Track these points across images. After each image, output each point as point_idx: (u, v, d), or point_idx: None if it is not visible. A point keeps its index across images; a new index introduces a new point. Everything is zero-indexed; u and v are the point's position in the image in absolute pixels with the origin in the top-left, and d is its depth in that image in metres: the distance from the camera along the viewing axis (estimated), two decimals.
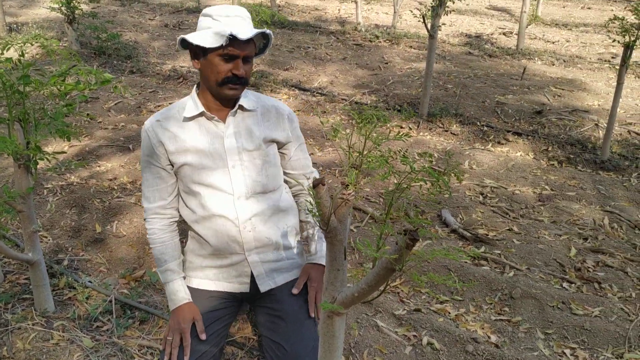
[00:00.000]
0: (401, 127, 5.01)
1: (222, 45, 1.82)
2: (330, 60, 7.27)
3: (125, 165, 3.90)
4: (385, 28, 9.29)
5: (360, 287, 1.45)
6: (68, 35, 6.92)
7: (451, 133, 4.94)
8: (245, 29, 1.87)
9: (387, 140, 1.55)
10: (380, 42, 8.36)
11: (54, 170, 3.60)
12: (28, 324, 2.25)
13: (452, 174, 1.71)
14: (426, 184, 1.68)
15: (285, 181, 2.20)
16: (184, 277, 2.09)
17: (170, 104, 5.30)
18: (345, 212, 1.49)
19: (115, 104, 5.19)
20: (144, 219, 2.09)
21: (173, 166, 2.00)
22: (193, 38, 1.89)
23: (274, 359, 1.93)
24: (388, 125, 4.98)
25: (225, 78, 1.88)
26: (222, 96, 1.93)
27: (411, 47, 8.13)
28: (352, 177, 1.52)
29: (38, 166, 2.15)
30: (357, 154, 1.52)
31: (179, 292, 2.01)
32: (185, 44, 1.97)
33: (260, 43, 2.03)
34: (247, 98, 2.03)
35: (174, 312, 1.98)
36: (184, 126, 1.98)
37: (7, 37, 7.14)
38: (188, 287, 2.09)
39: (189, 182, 1.99)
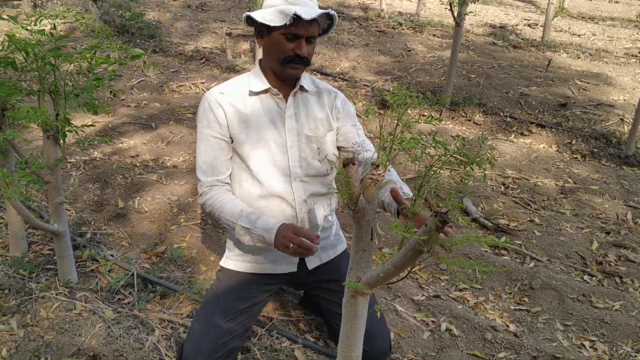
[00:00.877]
0: (423, 115, 4.97)
1: (285, 24, 1.82)
2: (353, 46, 7.22)
3: (147, 143, 3.92)
4: (408, 15, 9.21)
5: (386, 268, 1.45)
6: (92, 13, 6.95)
7: (474, 122, 4.90)
8: (310, 9, 1.86)
9: (417, 123, 1.54)
10: (403, 29, 8.29)
11: (78, 144, 3.64)
12: (52, 294, 2.29)
13: (485, 160, 1.70)
14: (459, 168, 1.67)
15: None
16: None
17: (193, 84, 5.33)
18: (374, 193, 1.49)
19: (138, 82, 5.21)
20: (199, 194, 1.98)
21: (232, 141, 1.98)
22: (257, 15, 1.89)
23: None
24: (411, 113, 4.95)
25: (287, 57, 1.86)
26: (284, 75, 1.92)
27: (434, 35, 8.05)
28: (383, 158, 1.51)
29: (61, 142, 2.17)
30: (389, 135, 1.51)
31: (270, 221, 1.87)
32: (250, 21, 1.96)
33: (324, 23, 2.02)
34: (306, 79, 2.04)
35: (277, 233, 1.81)
36: (247, 102, 1.96)
37: (34, 12, 7.19)
38: (228, 269, 2.11)
39: (247, 159, 1.97)
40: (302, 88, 2.01)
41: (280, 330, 2.21)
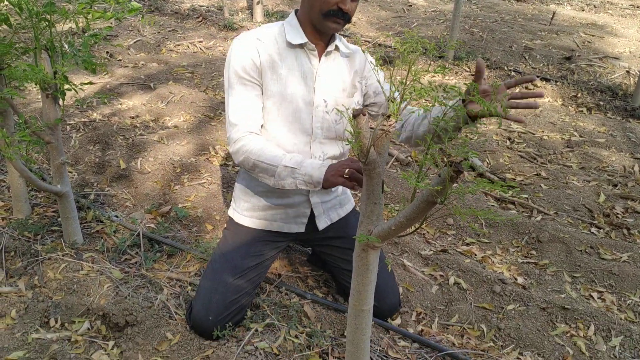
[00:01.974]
0: (426, 71, 4.87)
1: None
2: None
3: (147, 104, 3.86)
4: None
5: (398, 220, 1.43)
6: None
7: None
8: None
9: (427, 72, 1.49)
10: None
11: (78, 104, 3.58)
12: (58, 255, 2.28)
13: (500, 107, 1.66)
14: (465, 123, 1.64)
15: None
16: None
17: (190, 43, 5.22)
18: (385, 144, 1.45)
19: (135, 42, 5.10)
20: (233, 141, 1.81)
21: (262, 92, 1.90)
22: None
23: None
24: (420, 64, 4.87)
25: (331, 10, 1.77)
26: (324, 28, 1.83)
27: None
28: (394, 108, 1.47)
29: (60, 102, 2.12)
30: (400, 84, 1.46)
31: (317, 161, 1.76)
32: None
33: None
34: (340, 40, 1.96)
35: (329, 168, 1.69)
36: (282, 53, 1.88)
37: None
38: (237, 225, 2.08)
39: (273, 113, 1.90)
40: (336, 48, 1.93)
41: (288, 287, 2.20)
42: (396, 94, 1.46)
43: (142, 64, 4.60)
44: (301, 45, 1.88)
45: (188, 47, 5.17)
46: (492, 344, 2.03)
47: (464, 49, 5.30)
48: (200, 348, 1.89)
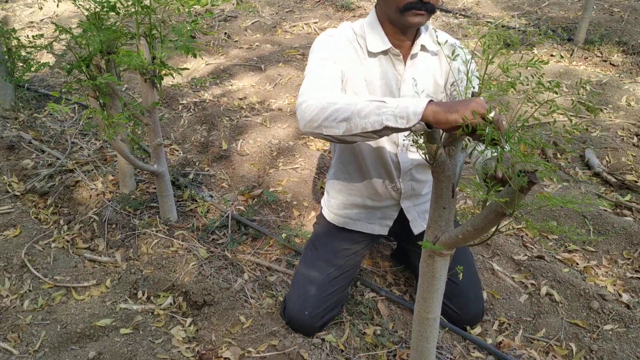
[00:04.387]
0: (551, 55, 4.51)
1: None
2: None
3: (255, 85, 3.95)
4: None
5: (465, 229, 1.33)
6: None
7: (610, 64, 4.35)
8: None
9: (517, 66, 1.35)
10: None
11: (199, 82, 3.75)
12: (152, 231, 2.41)
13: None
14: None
15: None
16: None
17: (305, 24, 5.25)
18: (457, 146, 1.34)
19: (252, 23, 5.23)
20: (302, 102, 1.50)
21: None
22: None
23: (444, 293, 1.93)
24: (536, 53, 4.51)
25: (408, 3, 1.59)
26: (404, 24, 1.66)
27: None
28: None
29: (175, 82, 2.21)
30: (478, 79, 1.34)
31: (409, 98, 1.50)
32: None
33: None
34: (427, 35, 1.78)
35: (433, 103, 1.27)
36: (364, 63, 1.75)
37: None
38: (326, 219, 2.06)
39: None
40: (423, 48, 1.76)
41: (364, 281, 2.16)
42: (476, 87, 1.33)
43: (257, 45, 4.71)
44: (384, 52, 1.75)
45: (303, 28, 5.21)
46: None
47: (598, 31, 4.81)
48: (269, 335, 1.92)
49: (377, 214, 1.99)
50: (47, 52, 2.42)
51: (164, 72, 2.20)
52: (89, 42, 2.20)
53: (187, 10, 2.18)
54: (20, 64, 3.47)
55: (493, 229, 1.30)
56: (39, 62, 3.27)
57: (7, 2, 6.04)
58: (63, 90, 3.72)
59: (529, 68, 1.31)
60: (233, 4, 5.69)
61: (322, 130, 1.43)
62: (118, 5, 2.12)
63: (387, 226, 2.00)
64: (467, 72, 1.34)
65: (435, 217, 1.42)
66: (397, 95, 1.77)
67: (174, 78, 2.33)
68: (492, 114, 1.22)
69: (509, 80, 1.31)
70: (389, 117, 1.30)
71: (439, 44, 1.79)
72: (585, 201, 1.08)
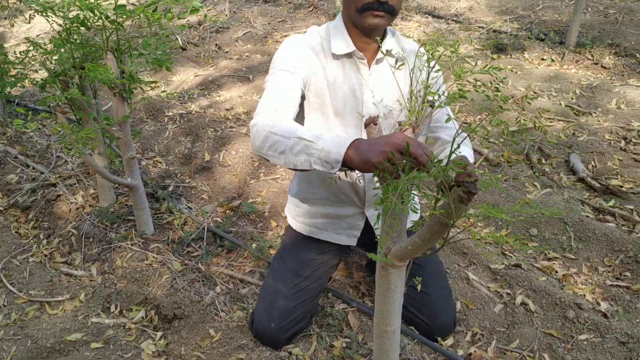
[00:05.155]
0: (542, 59, 4.47)
1: None
2: None
3: (243, 96, 3.95)
4: None
5: (413, 241, 1.30)
6: None
7: (601, 66, 4.31)
8: None
9: (471, 73, 1.32)
10: None
11: (180, 94, 3.75)
12: (127, 244, 2.41)
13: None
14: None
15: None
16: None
17: (297, 33, 5.25)
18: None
19: (244, 34, 5.25)
20: (253, 126, 1.51)
21: (303, 99, 1.75)
22: None
23: (413, 303, 1.92)
24: (527, 57, 4.47)
25: (365, 4, 1.58)
26: (364, 26, 1.64)
27: None
28: (415, 114, 1.33)
29: (144, 96, 2.21)
30: (425, 87, 1.31)
31: (340, 135, 1.39)
32: None
33: None
34: (391, 39, 1.76)
35: (357, 143, 1.28)
36: (327, 67, 1.74)
37: None
38: (293, 229, 2.04)
39: (320, 125, 1.79)
40: (388, 53, 1.74)
41: (335, 292, 2.13)
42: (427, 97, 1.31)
43: (247, 56, 4.72)
44: (348, 55, 1.74)
45: None
46: None
47: (590, 34, 4.76)
48: (237, 349, 1.90)
49: (342, 224, 1.96)
50: (40, 69, 2.46)
51: (133, 85, 2.20)
52: (60, 58, 2.22)
53: (156, 23, 2.18)
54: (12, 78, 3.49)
55: (442, 239, 1.27)
56: (27, 76, 3.29)
57: (6, 18, 6.11)
58: (38, 106, 3.74)
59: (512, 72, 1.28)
60: (226, 16, 5.71)
61: (268, 158, 1.45)
62: (87, 20, 2.13)
63: (355, 237, 1.97)
64: (427, 82, 1.30)
65: (386, 228, 1.40)
66: (361, 101, 1.75)
67: (144, 92, 2.33)
68: (413, 147, 1.19)
69: (461, 88, 1.28)
70: (316, 160, 1.32)
71: (403, 51, 1.78)
72: (498, 213, 1.06)
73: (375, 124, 1.32)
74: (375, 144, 1.21)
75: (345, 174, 1.83)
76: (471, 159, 1.56)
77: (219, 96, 3.98)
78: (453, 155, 1.14)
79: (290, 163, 1.39)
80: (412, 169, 1.19)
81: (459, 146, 1.15)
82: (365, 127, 1.33)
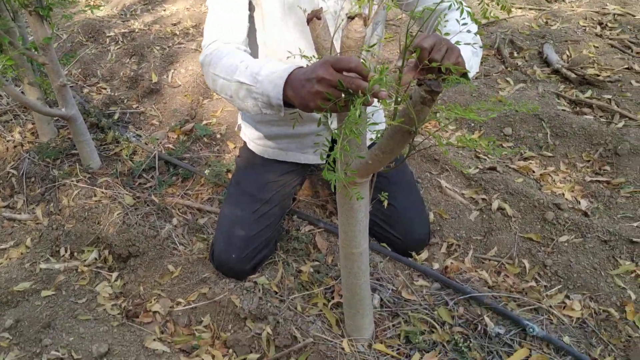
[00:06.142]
0: None
1: None
2: None
3: (190, 8, 3.62)
4: None
5: (374, 154, 1.13)
6: None
7: None
8: None
9: None
10: None
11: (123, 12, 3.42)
12: (73, 181, 2.21)
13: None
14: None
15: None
16: None
17: None
18: (356, 56, 1.12)
19: None
20: (202, 64, 1.42)
21: (251, 10, 1.55)
22: None
23: (384, 219, 1.81)
24: None
25: None
26: None
27: None
28: (359, 6, 1.11)
29: (102, 13, 1.93)
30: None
31: (277, 66, 1.19)
32: None
33: None
34: None
35: (291, 79, 1.13)
36: None
37: None
38: (251, 151, 1.87)
39: (269, 37, 1.59)
40: None
41: (300, 214, 1.98)
42: None
43: None
44: None
45: None
46: (533, 283, 1.71)
47: None
48: (200, 283, 1.76)
49: (307, 142, 1.78)
50: None
51: (51, 2, 1.92)
52: None
53: None
54: None
55: (406, 148, 1.10)
56: None
57: None
58: None
59: None
60: None
61: (226, 99, 1.34)
62: None
63: (324, 152, 1.79)
64: None
65: (344, 144, 1.22)
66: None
67: (65, 8, 2.05)
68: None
69: None
70: (263, 105, 1.21)
71: None
72: (467, 114, 0.88)
73: (319, 18, 1.11)
74: (307, 80, 1.05)
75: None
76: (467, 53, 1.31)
77: (164, 10, 3.63)
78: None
79: (244, 109, 1.28)
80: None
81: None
82: (307, 24, 1.11)
